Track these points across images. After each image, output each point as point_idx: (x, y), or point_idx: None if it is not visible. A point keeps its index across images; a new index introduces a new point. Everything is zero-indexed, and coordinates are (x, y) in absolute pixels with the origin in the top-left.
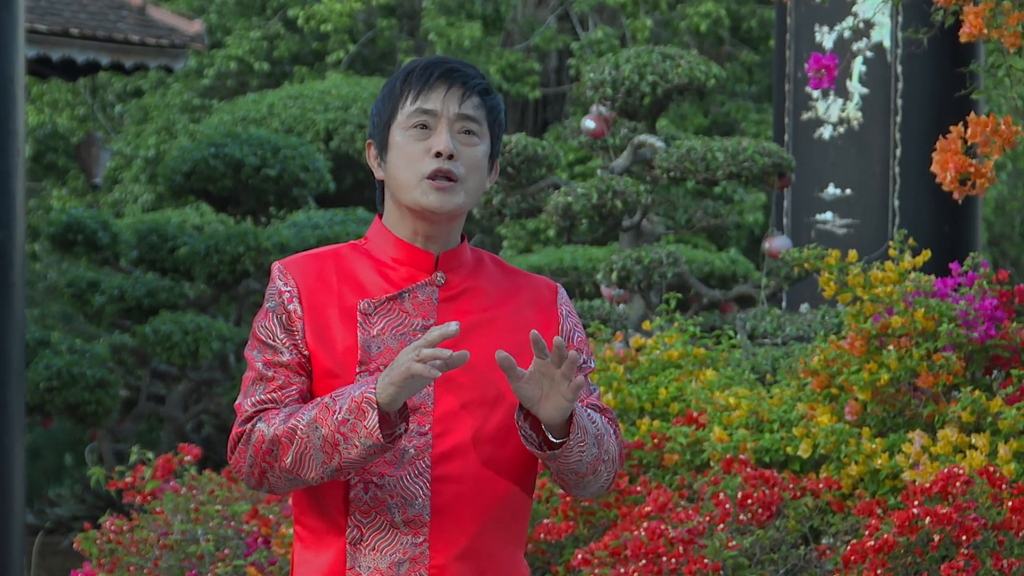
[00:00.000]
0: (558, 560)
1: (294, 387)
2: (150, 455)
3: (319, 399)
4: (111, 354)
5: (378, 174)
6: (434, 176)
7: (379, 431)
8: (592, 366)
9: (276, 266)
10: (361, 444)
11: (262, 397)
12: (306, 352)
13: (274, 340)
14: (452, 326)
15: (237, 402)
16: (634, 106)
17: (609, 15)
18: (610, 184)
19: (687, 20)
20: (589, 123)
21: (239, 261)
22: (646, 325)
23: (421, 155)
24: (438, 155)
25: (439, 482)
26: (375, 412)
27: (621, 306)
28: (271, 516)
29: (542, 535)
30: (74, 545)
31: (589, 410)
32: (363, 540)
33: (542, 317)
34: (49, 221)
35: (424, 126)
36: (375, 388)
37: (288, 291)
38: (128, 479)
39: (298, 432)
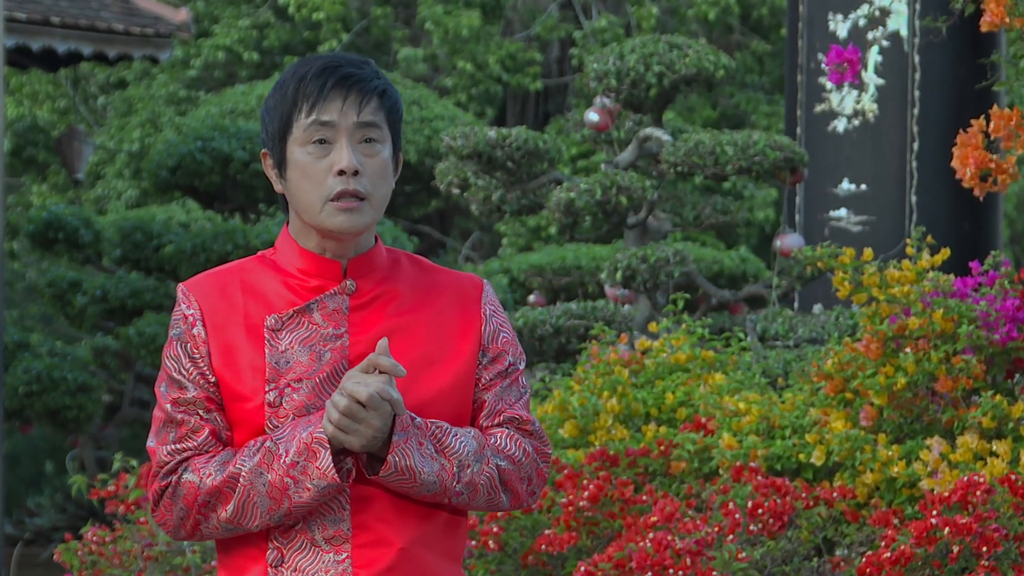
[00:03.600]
0: (560, 572)
1: (205, 430)
2: (134, 462)
3: (257, 443)
4: (93, 357)
5: (277, 187)
6: (339, 197)
7: (334, 470)
8: (521, 367)
9: (180, 288)
10: (315, 486)
11: (177, 446)
12: (213, 379)
13: (180, 372)
14: (396, 368)
15: (149, 444)
16: (640, 98)
17: (613, 3)
18: (614, 179)
19: (695, 8)
20: (593, 116)
21: (227, 260)
22: (652, 327)
23: (324, 174)
24: (341, 172)
25: (359, 496)
26: (327, 452)
27: (626, 307)
28: None
29: (543, 546)
30: (54, 556)
31: (461, 436)
32: (284, 561)
33: (463, 318)
34: (29, 218)
35: (323, 140)
36: (322, 427)
37: (192, 314)
38: (111, 488)
39: (240, 480)
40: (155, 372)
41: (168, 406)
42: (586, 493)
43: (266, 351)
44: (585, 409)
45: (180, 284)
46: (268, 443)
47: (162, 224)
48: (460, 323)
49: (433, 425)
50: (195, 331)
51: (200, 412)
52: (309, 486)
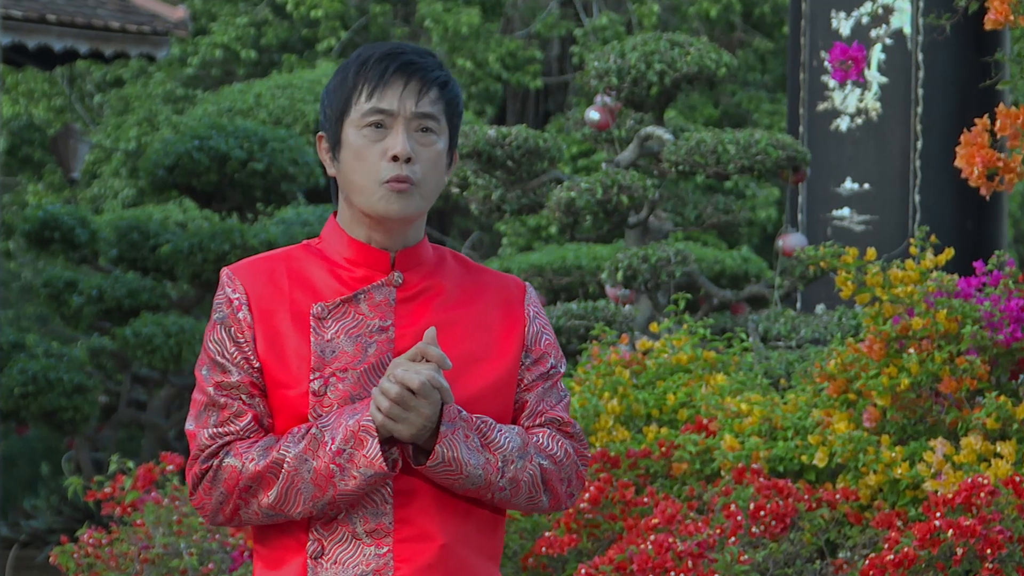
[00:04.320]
0: (560, 575)
1: (248, 415)
2: (130, 464)
3: (301, 429)
4: (89, 358)
5: (330, 170)
6: (390, 182)
7: (381, 459)
8: (562, 371)
9: (224, 272)
10: (361, 474)
11: (218, 430)
12: (257, 364)
13: (224, 356)
14: (444, 361)
15: (188, 427)
16: (641, 96)
17: (614, 0)
18: (615, 178)
19: (696, 5)
20: (593, 114)
21: (224, 260)
22: (653, 327)
23: (377, 158)
24: (394, 158)
25: (402, 490)
26: (375, 440)
27: (627, 307)
28: None
29: (544, 548)
30: (50, 559)
31: (506, 432)
32: (325, 553)
33: (507, 318)
34: (24, 218)
35: (379, 125)
36: (370, 415)
37: (237, 298)
38: (107, 490)
39: (284, 466)
40: (152, 373)
41: (211, 389)
42: (587, 495)
43: (312, 339)
44: (586, 410)
45: (224, 268)
46: (313, 430)
47: (159, 223)
48: (504, 323)
49: (478, 419)
50: (240, 315)
51: (243, 397)
52: (355, 474)
